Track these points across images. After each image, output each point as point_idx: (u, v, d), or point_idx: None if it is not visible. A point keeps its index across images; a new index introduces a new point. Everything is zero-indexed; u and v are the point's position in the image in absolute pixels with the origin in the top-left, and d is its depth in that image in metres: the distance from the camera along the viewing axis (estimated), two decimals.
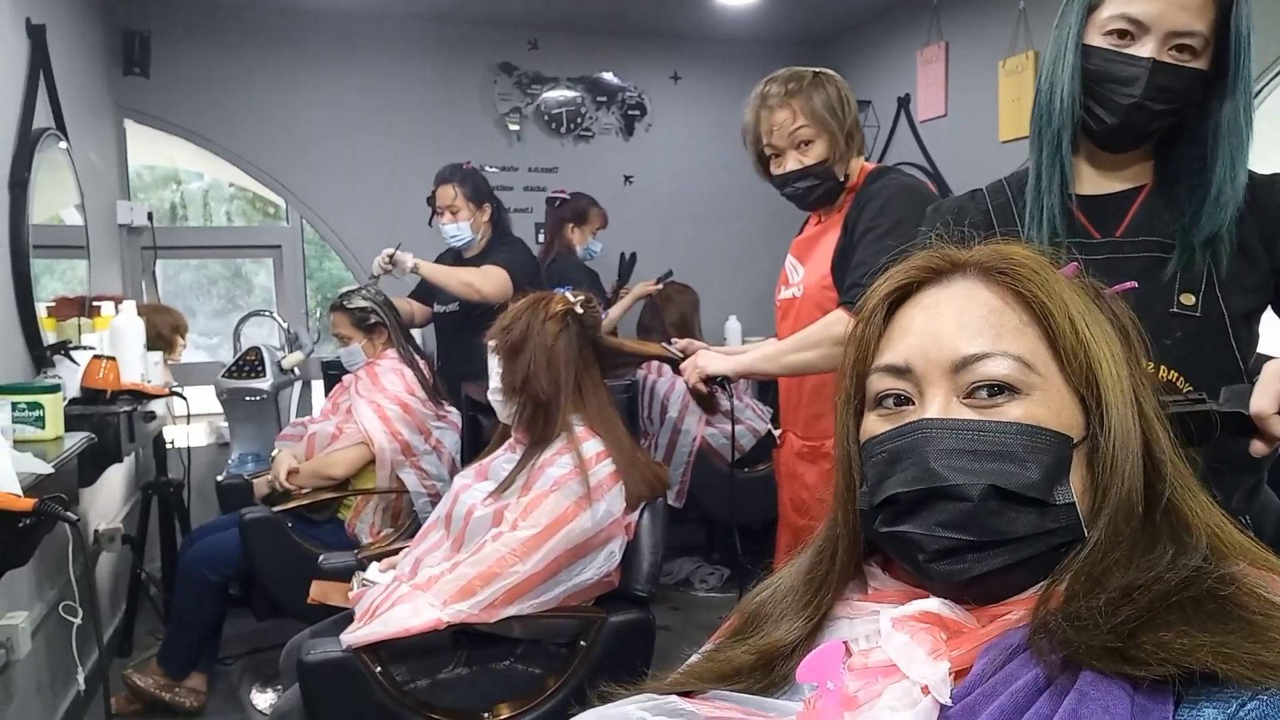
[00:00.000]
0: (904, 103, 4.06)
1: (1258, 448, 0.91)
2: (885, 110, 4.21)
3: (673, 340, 2.17)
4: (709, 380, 1.91)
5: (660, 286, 3.90)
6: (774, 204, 4.67)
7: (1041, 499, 0.64)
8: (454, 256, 3.42)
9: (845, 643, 0.71)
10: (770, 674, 0.74)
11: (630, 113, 4.56)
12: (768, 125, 1.93)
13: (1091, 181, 1.25)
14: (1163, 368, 1.16)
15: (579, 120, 4.48)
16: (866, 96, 4.20)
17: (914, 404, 0.70)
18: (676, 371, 2.06)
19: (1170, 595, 0.59)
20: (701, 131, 4.66)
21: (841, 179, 1.90)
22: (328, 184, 4.14)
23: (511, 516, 1.79)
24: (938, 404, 0.68)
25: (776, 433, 2.10)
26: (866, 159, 1.99)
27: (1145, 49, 1.12)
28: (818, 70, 1.93)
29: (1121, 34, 1.13)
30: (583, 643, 1.81)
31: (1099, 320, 0.70)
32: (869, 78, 4.30)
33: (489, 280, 3.14)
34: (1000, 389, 0.67)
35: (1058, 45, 1.21)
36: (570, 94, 4.47)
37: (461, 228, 3.27)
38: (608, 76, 4.52)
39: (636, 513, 1.90)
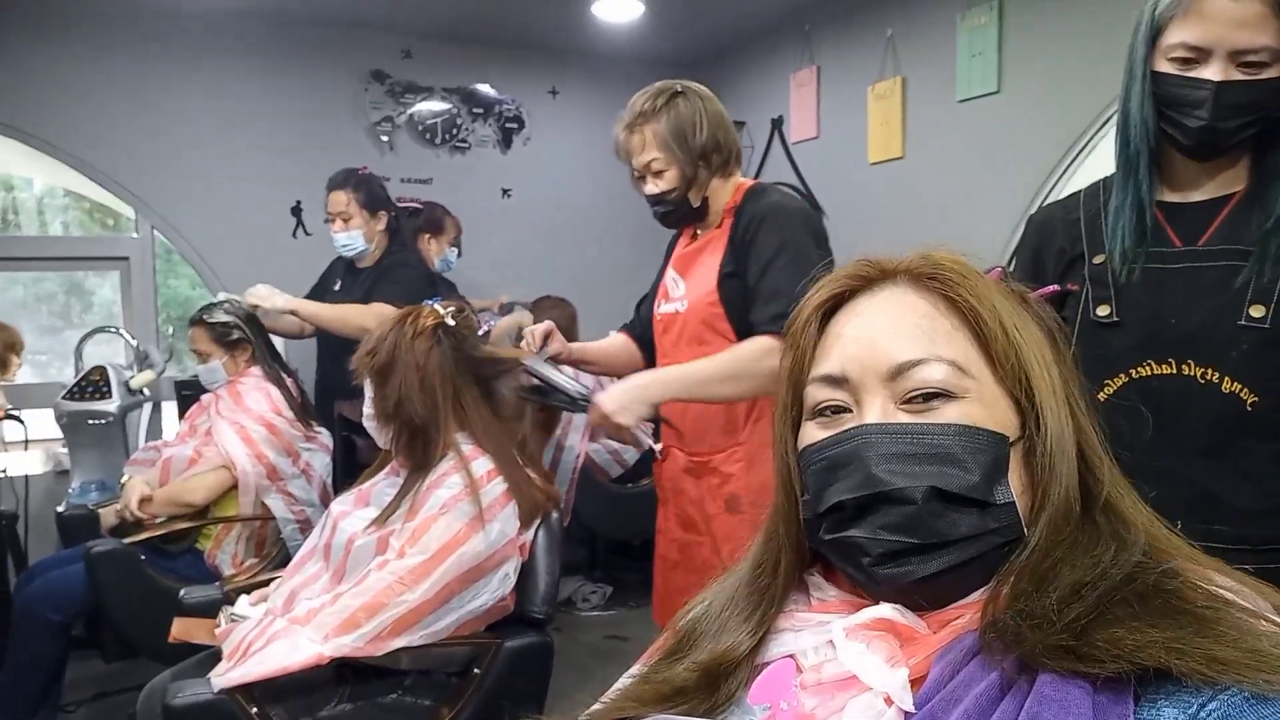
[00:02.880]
0: (778, 124, 4.16)
1: None
2: (760, 131, 4.30)
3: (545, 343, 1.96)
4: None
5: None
6: (651, 221, 4.73)
7: (982, 499, 0.64)
8: (346, 266, 3.25)
9: (793, 657, 0.70)
10: (715, 693, 0.72)
11: (508, 125, 4.49)
12: (626, 148, 1.93)
13: (1183, 187, 1.24)
14: (1226, 379, 1.16)
15: (454, 132, 4.38)
16: (741, 117, 4.28)
17: (852, 412, 0.70)
18: (579, 409, 1.85)
19: (1116, 590, 0.59)
20: (580, 147, 4.64)
21: (697, 204, 1.90)
22: (183, 193, 3.89)
23: (398, 543, 1.70)
24: (876, 410, 0.68)
25: (657, 447, 2.05)
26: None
27: (1211, 71, 1.12)
28: (677, 89, 1.88)
29: (1186, 60, 1.14)
30: (476, 670, 1.73)
31: (1027, 323, 0.71)
32: (745, 98, 4.39)
33: (381, 320, 2.97)
34: (936, 394, 0.67)
35: (1130, 70, 1.22)
36: (445, 105, 4.37)
37: (354, 236, 3.10)
38: (484, 88, 4.44)
39: (531, 531, 1.83)
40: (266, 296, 2.89)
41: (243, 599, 1.91)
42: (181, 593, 2.07)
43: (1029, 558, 0.64)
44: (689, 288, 1.95)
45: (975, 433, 0.66)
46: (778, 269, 1.77)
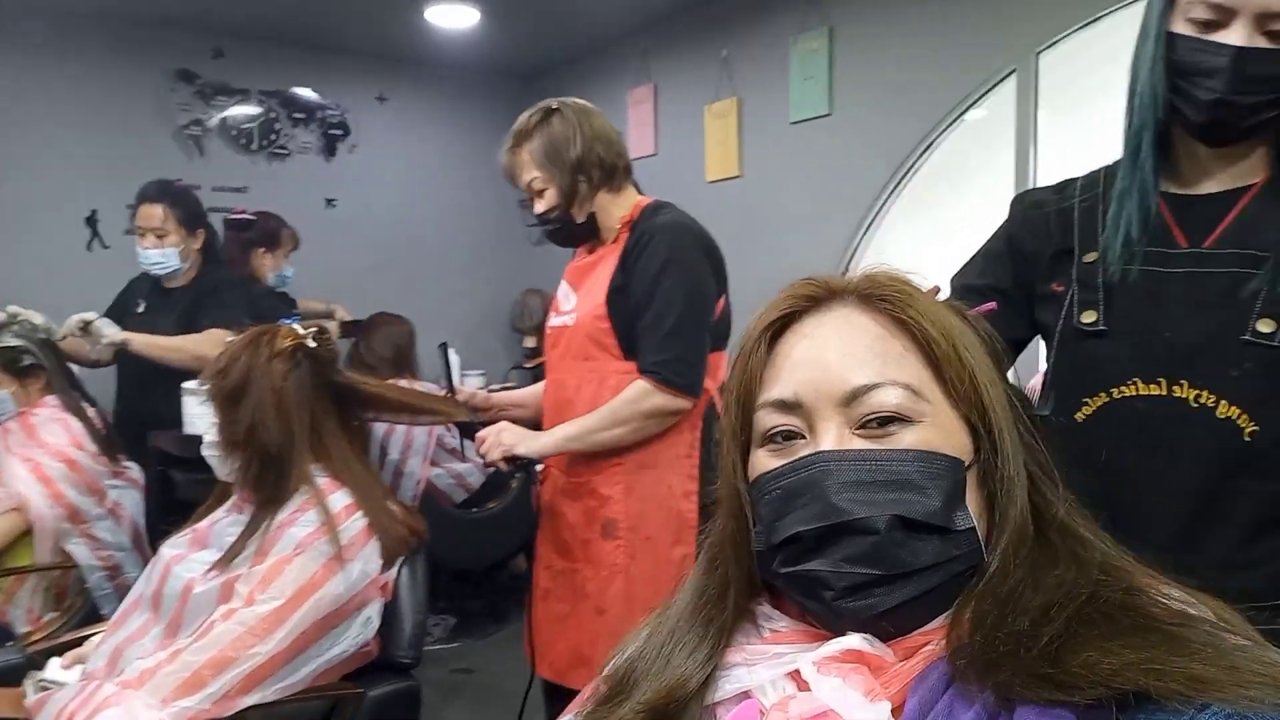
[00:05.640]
0: None
1: None
2: None
3: (455, 390, 2.01)
4: (511, 460, 1.82)
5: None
6: (490, 236, 4.62)
7: (944, 526, 0.63)
8: (151, 285, 2.95)
9: (750, 694, 0.67)
10: None
11: (332, 132, 4.27)
12: (510, 170, 1.92)
13: (1192, 177, 1.07)
14: (1223, 403, 1.00)
15: (273, 137, 4.11)
16: None
17: (805, 438, 0.68)
18: (467, 435, 1.92)
19: (1082, 610, 0.59)
20: (412, 156, 4.48)
21: (582, 220, 1.87)
22: None
23: (245, 589, 1.53)
24: (831, 436, 0.66)
25: (538, 467, 2.01)
26: None
27: (1233, 35, 0.95)
28: (553, 106, 1.87)
29: (1206, 22, 0.97)
30: None
31: (974, 342, 0.71)
32: None
33: (218, 347, 2.74)
34: (891, 418, 0.66)
35: (1142, 32, 1.05)
36: (262, 108, 4.09)
37: (168, 255, 2.82)
38: (305, 92, 4.20)
39: (394, 570, 1.70)
40: (108, 332, 2.67)
41: (53, 662, 1.67)
42: None
43: (989, 581, 0.64)
44: (579, 302, 1.91)
45: (933, 458, 0.65)
46: (664, 293, 1.76)
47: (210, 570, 1.59)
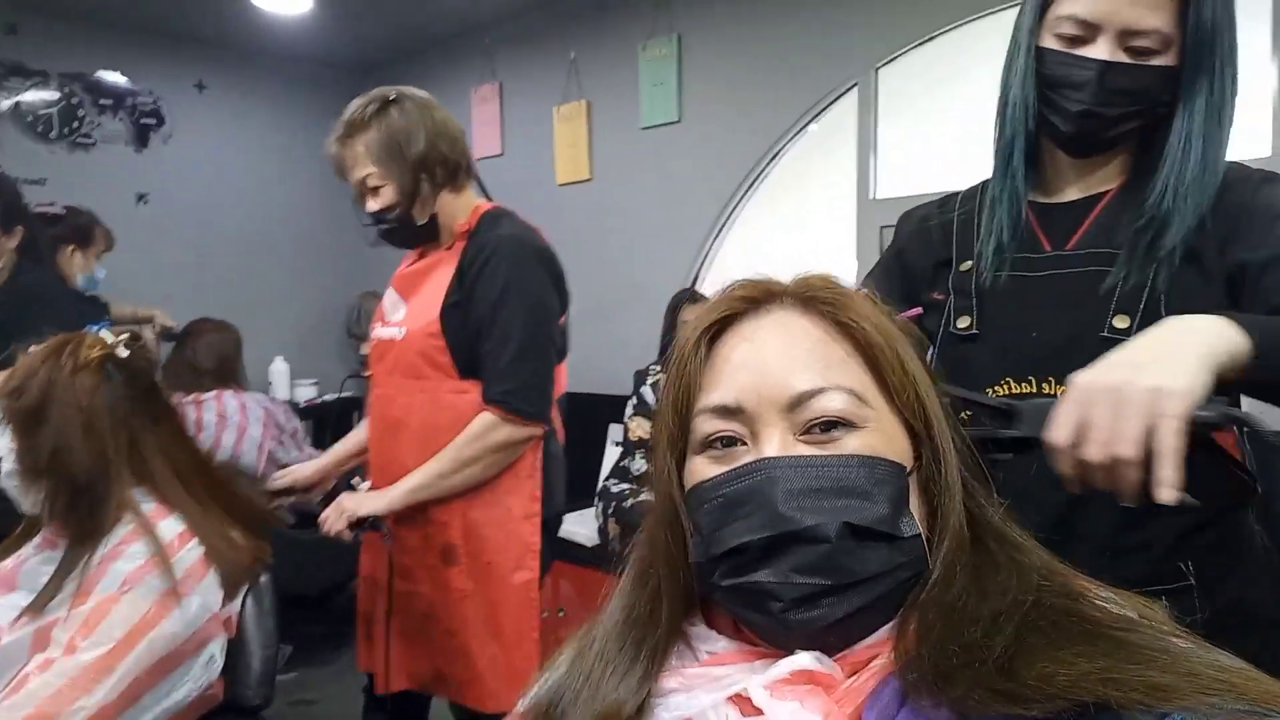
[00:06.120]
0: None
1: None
2: None
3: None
4: (359, 523, 1.73)
5: None
6: (322, 235, 4.37)
7: (892, 533, 0.62)
8: None
9: None
10: None
11: (144, 121, 3.91)
12: (339, 164, 1.77)
13: (1059, 187, 1.14)
14: None
15: (75, 124, 3.73)
16: None
17: (746, 444, 0.66)
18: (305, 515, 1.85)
19: (1029, 617, 0.59)
20: (234, 149, 4.19)
21: (424, 221, 1.76)
22: None
23: (65, 635, 1.34)
24: (775, 442, 0.64)
25: (363, 487, 1.89)
26: None
27: (1098, 50, 1.01)
28: (390, 96, 1.74)
29: (1073, 37, 1.03)
30: None
31: (908, 347, 0.70)
32: None
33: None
34: (835, 423, 0.64)
35: (1013, 46, 1.10)
36: (62, 93, 3.70)
37: None
38: (113, 77, 3.83)
39: (238, 602, 1.55)
40: None
41: None
42: None
43: (933, 590, 0.62)
44: (409, 313, 1.80)
45: (877, 463, 0.63)
46: (506, 317, 1.69)
47: (20, 616, 1.40)
